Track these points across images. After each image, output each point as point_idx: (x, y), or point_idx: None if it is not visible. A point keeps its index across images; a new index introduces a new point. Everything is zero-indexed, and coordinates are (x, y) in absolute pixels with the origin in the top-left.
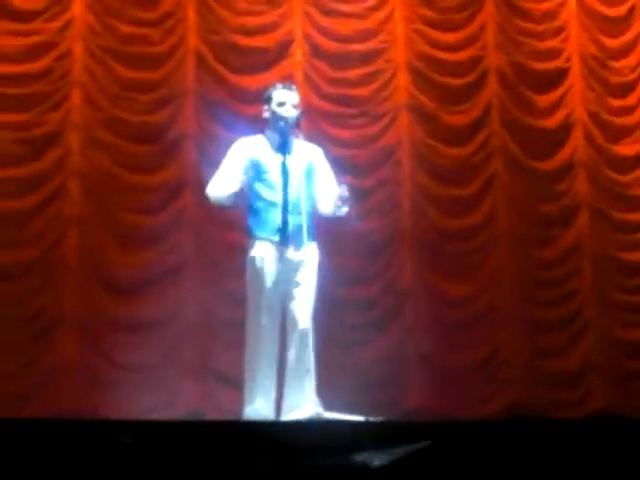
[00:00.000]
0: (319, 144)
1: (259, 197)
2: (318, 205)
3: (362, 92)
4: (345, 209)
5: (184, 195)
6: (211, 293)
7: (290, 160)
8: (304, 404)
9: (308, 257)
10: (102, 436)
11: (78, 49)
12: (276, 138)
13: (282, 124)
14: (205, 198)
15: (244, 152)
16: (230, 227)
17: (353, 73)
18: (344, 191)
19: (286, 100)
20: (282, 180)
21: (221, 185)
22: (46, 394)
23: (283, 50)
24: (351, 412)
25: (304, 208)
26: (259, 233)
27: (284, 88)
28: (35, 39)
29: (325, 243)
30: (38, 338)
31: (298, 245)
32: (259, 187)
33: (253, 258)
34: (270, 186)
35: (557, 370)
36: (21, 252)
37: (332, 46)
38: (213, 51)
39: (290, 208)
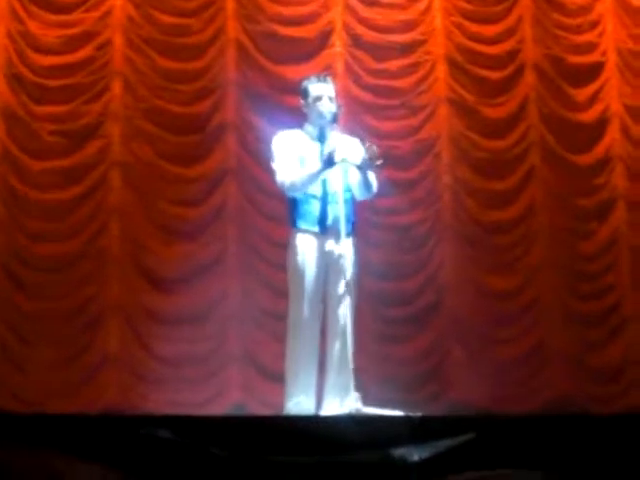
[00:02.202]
0: (359, 135)
1: None
2: (355, 193)
3: (402, 84)
4: (374, 163)
5: (226, 186)
6: (254, 285)
7: (330, 151)
8: (344, 399)
9: (348, 251)
10: (144, 431)
11: (118, 39)
12: (314, 131)
13: (320, 119)
14: (280, 187)
15: (290, 143)
16: (272, 218)
17: (393, 64)
18: (371, 148)
19: (323, 93)
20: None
21: (293, 172)
22: (92, 387)
23: (323, 40)
24: (393, 407)
25: (342, 199)
26: (300, 224)
27: (319, 81)
28: (75, 30)
29: (366, 236)
30: (83, 331)
31: (338, 237)
32: None
33: (294, 250)
34: None
35: (598, 364)
36: (65, 244)
37: (372, 37)
38: (253, 41)
39: (329, 199)
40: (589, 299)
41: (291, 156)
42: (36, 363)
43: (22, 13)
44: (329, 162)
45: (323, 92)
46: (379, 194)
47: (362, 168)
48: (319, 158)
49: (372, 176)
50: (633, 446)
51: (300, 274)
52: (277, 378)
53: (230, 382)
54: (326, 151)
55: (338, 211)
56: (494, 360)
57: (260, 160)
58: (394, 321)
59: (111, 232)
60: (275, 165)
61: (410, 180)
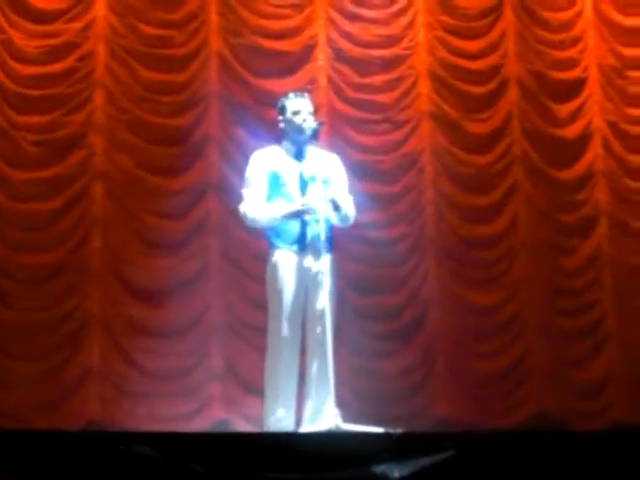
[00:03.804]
0: (343, 149)
1: None
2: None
3: (385, 98)
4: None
5: (208, 199)
6: (236, 298)
7: (307, 169)
8: (323, 415)
9: (327, 267)
10: (125, 448)
11: (101, 50)
12: (292, 148)
13: (299, 135)
14: (242, 216)
15: (264, 165)
16: (255, 232)
17: (376, 79)
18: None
19: (300, 108)
20: (300, 191)
21: (258, 207)
22: (74, 401)
23: (307, 54)
24: (374, 423)
25: (322, 217)
26: (278, 243)
27: (297, 96)
28: (57, 40)
29: (349, 251)
30: (65, 343)
31: (317, 254)
32: (277, 198)
33: (272, 267)
34: (288, 197)
35: (579, 380)
36: (46, 255)
37: (355, 51)
38: (236, 54)
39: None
40: (572, 315)
41: (261, 186)
42: (16, 376)
43: (3, 21)
44: (298, 216)
45: (301, 107)
46: (361, 209)
47: (337, 208)
48: (297, 179)
49: (349, 206)
50: (615, 463)
51: (279, 292)
52: (260, 392)
53: (213, 396)
54: (301, 205)
55: (317, 229)
56: (476, 375)
57: (242, 173)
58: (377, 336)
59: (93, 244)
60: (244, 192)
61: (393, 194)
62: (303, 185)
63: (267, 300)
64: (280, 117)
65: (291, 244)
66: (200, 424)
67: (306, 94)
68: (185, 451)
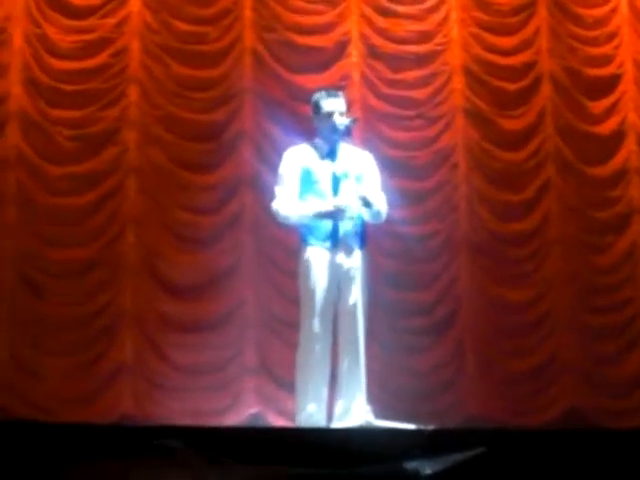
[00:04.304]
0: (376, 145)
1: None
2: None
3: (418, 94)
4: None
5: (241, 194)
6: (269, 293)
7: (340, 167)
8: (355, 412)
9: (359, 263)
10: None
11: (135, 46)
12: (325, 146)
13: (332, 133)
14: (274, 214)
15: (296, 162)
16: (287, 227)
17: (410, 75)
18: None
19: (335, 109)
20: (332, 189)
21: (290, 204)
22: (107, 395)
23: (340, 50)
24: (406, 420)
25: (354, 214)
26: (310, 239)
27: (330, 96)
28: (92, 36)
29: (382, 247)
30: (98, 338)
31: (349, 251)
32: (309, 195)
33: (305, 264)
34: (320, 194)
35: (612, 378)
36: (80, 250)
37: (389, 47)
38: (270, 49)
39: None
40: (605, 312)
41: (294, 183)
42: (50, 370)
43: (38, 17)
44: (330, 217)
45: (335, 107)
46: (393, 206)
47: (367, 205)
48: (329, 177)
49: (381, 203)
50: None
51: (311, 288)
52: (292, 387)
53: (246, 391)
54: (333, 206)
55: (349, 226)
56: (507, 372)
57: (275, 169)
58: (409, 332)
59: (126, 239)
60: (277, 189)
61: (426, 190)
62: (335, 182)
63: (299, 296)
64: (313, 114)
65: (323, 241)
66: (233, 419)
67: (340, 93)
68: (216, 445)
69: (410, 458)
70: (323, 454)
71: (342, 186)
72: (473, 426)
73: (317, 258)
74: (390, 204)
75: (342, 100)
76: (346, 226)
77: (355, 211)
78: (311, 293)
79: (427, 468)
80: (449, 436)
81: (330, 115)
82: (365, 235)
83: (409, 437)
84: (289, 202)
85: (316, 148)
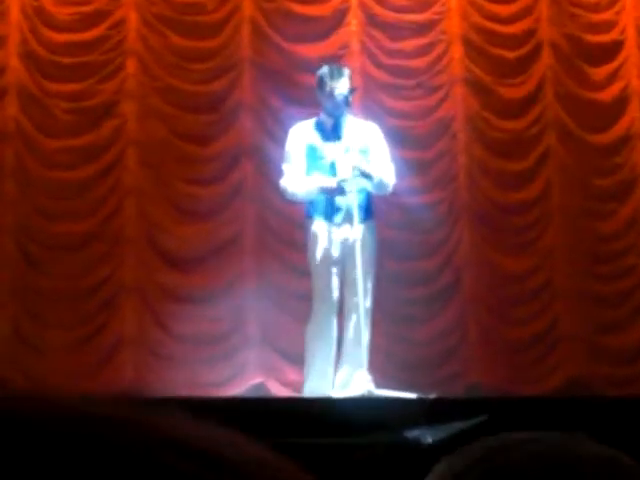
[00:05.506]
0: (376, 115)
1: None
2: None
3: (418, 63)
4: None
5: (242, 165)
6: (271, 264)
7: (345, 140)
8: (356, 381)
9: (365, 235)
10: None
11: (132, 17)
12: (330, 120)
13: (336, 110)
14: (282, 191)
15: (301, 139)
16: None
17: (409, 44)
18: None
19: (338, 86)
20: (336, 164)
21: (297, 181)
22: (109, 368)
23: (339, 19)
24: (409, 389)
25: (355, 187)
26: (314, 213)
27: (335, 74)
28: (89, 7)
29: (383, 218)
30: (99, 311)
31: (353, 223)
32: (315, 171)
33: (310, 237)
34: (326, 170)
35: (615, 346)
36: (80, 223)
37: (388, 16)
38: (268, 19)
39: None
40: (609, 280)
41: (300, 160)
42: (51, 344)
43: None
44: (333, 193)
45: (339, 86)
46: (400, 176)
47: (366, 176)
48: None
49: (386, 174)
50: None
51: (317, 261)
52: (294, 357)
53: (248, 362)
54: (336, 183)
55: (352, 198)
56: (509, 341)
57: (277, 139)
58: (411, 302)
59: (126, 211)
60: (284, 167)
61: (427, 160)
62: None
63: (309, 270)
64: (317, 90)
65: (327, 214)
66: (236, 389)
67: (346, 71)
68: (217, 416)
69: (412, 427)
70: (324, 424)
71: (342, 160)
72: (475, 395)
73: (322, 232)
74: (397, 174)
75: (346, 78)
76: (349, 199)
77: (355, 184)
78: (317, 266)
79: (428, 437)
80: (451, 405)
81: (334, 92)
82: (371, 206)
83: (411, 406)
84: (296, 179)
85: (321, 123)
